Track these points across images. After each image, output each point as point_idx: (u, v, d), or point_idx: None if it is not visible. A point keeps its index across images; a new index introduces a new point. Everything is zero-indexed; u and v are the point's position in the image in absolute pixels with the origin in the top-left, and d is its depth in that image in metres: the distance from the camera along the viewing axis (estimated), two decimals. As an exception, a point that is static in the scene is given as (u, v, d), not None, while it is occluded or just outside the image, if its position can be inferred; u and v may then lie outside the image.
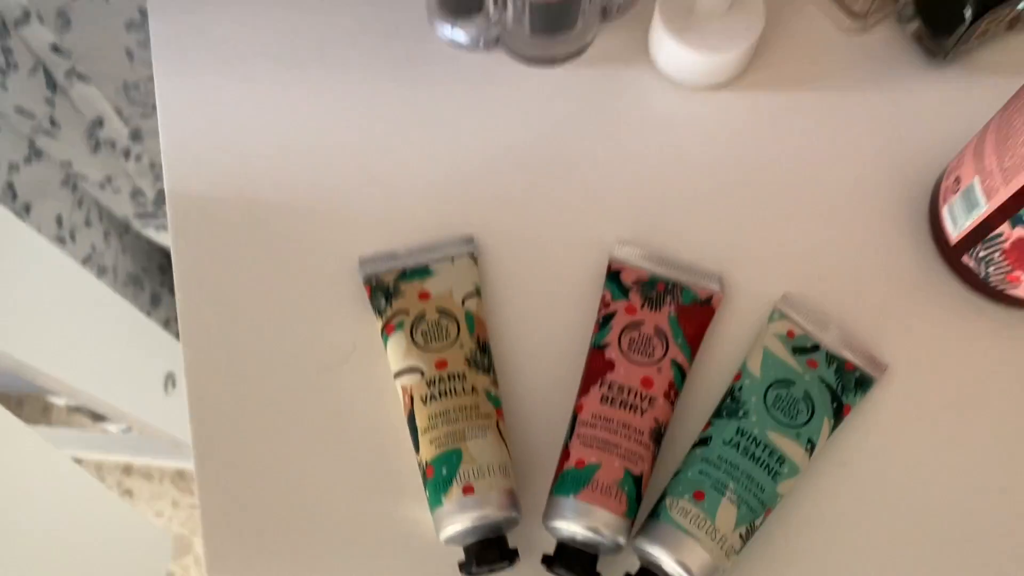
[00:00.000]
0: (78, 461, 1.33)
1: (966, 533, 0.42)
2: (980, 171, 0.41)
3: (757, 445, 0.40)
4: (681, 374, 0.42)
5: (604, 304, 0.44)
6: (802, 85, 0.50)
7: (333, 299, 0.45)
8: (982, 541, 0.41)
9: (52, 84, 0.80)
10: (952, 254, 0.45)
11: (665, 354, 0.42)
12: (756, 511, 0.39)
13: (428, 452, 0.40)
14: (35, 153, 0.89)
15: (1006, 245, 0.41)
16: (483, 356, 0.43)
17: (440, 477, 0.39)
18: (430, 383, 0.41)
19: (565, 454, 0.41)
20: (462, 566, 0.39)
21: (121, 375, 0.71)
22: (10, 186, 0.89)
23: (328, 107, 0.49)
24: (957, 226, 0.44)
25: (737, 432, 0.40)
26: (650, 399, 0.41)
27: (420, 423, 0.40)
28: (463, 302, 0.44)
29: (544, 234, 0.47)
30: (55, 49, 0.76)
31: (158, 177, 0.97)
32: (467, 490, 0.39)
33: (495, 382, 0.43)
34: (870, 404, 0.43)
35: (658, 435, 0.41)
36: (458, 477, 0.39)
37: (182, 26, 0.51)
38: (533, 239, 0.47)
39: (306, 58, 0.50)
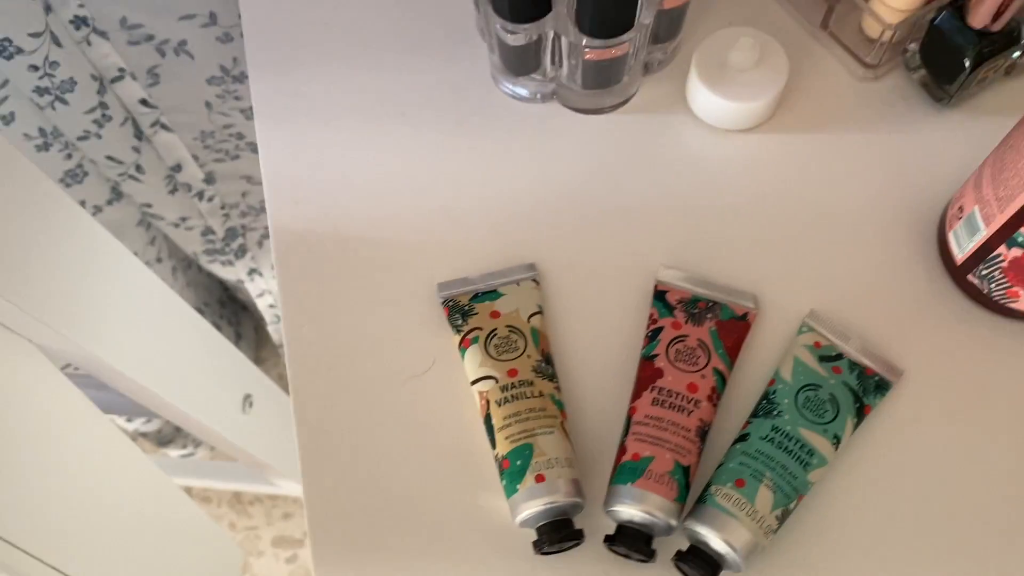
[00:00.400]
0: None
1: (971, 518, 0.47)
2: (979, 200, 0.48)
3: (790, 440, 0.46)
4: (722, 380, 0.48)
5: (652, 320, 0.51)
6: (823, 127, 0.56)
7: (416, 319, 0.52)
8: (985, 526, 0.47)
9: (139, 134, 0.89)
10: (958, 273, 0.52)
11: (708, 363, 0.48)
12: (790, 496, 0.45)
13: (504, 447, 0.47)
14: (116, 195, 0.97)
15: (1004, 264, 0.47)
16: (547, 366, 0.49)
17: (515, 468, 0.46)
18: (503, 388, 0.48)
19: (622, 450, 0.47)
20: (535, 544, 0.45)
21: (203, 393, 0.78)
22: (94, 226, 0.98)
23: (408, 153, 0.56)
24: (962, 248, 0.50)
25: (772, 429, 0.47)
26: (695, 402, 0.47)
27: (496, 422, 0.47)
28: (528, 319, 0.50)
29: (597, 260, 0.54)
30: (143, 103, 0.85)
31: (227, 216, 1.05)
32: (539, 479, 0.45)
33: (559, 388, 0.49)
34: (888, 405, 0.50)
35: (703, 432, 0.47)
36: (531, 468, 0.45)
37: (279, 87, 0.58)
38: (588, 264, 0.53)
39: (388, 111, 0.57)
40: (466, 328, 0.50)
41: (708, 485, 0.46)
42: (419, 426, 0.50)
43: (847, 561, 0.47)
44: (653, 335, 0.50)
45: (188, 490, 1.40)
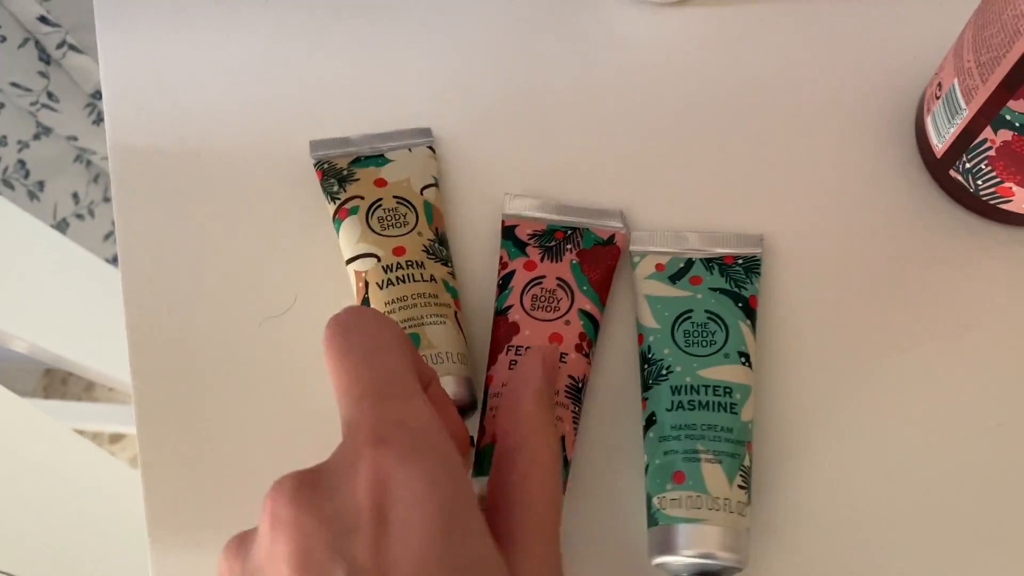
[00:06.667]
0: (120, 436, 1.36)
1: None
2: (959, 71, 0.37)
3: (697, 392, 0.37)
4: (592, 323, 0.39)
5: (502, 265, 0.41)
6: (775, -4, 0.46)
7: (278, 247, 0.43)
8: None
9: (45, 57, 0.80)
10: (939, 169, 0.41)
11: (571, 305, 0.39)
12: (737, 454, 0.36)
13: (386, 337, 0.38)
14: (44, 130, 0.89)
15: (991, 152, 0.37)
16: (441, 247, 0.41)
17: None
18: (387, 268, 0.39)
19: (481, 431, 0.37)
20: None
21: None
22: (22, 164, 0.90)
23: (273, 35, 0.47)
24: (941, 136, 0.40)
25: (672, 392, 0.37)
26: (561, 356, 0.38)
27: (376, 307, 0.39)
28: (422, 192, 0.42)
29: (494, 175, 0.44)
30: (43, 20, 0.76)
31: (166, 148, 0.97)
32: None
33: (452, 274, 0.41)
34: (773, 277, 0.41)
35: (576, 391, 0.38)
36: None
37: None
38: (484, 156, 0.44)
39: (248, -1, 0.48)
40: (344, 196, 0.42)
41: (648, 500, 0.36)
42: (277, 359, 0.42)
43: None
44: (504, 283, 0.40)
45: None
